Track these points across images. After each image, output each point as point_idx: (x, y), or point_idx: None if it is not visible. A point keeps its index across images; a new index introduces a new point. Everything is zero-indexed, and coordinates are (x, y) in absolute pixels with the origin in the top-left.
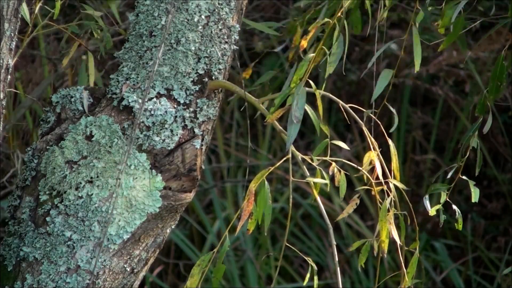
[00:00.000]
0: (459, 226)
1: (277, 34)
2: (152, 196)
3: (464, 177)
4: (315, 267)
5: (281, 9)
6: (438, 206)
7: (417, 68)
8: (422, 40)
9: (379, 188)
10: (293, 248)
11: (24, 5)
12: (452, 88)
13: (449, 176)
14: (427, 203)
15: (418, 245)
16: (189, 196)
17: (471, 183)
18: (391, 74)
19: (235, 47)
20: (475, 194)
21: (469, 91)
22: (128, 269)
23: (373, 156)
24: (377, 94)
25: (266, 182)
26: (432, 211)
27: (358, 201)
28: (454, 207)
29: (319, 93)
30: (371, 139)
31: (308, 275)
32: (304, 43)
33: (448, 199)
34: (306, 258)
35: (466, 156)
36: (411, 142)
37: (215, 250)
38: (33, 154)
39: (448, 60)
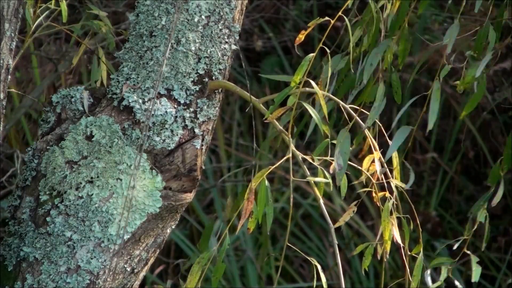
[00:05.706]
0: None
1: None
2: (152, 196)
3: (468, 252)
4: (319, 266)
5: (281, 9)
6: (439, 283)
7: (430, 126)
8: (423, 39)
9: (382, 194)
10: (294, 248)
11: (28, 7)
12: (453, 87)
13: (455, 247)
14: (428, 279)
15: (421, 247)
16: (190, 196)
17: (474, 260)
18: (409, 131)
19: (235, 47)
20: (476, 274)
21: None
22: (128, 269)
23: (375, 156)
24: (391, 153)
25: (266, 181)
26: None
27: (355, 209)
28: (457, 283)
29: (322, 94)
30: (371, 140)
31: (315, 276)
32: (302, 37)
33: (450, 275)
34: (309, 258)
35: (474, 228)
36: (411, 142)
37: (215, 248)
38: (33, 154)
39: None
